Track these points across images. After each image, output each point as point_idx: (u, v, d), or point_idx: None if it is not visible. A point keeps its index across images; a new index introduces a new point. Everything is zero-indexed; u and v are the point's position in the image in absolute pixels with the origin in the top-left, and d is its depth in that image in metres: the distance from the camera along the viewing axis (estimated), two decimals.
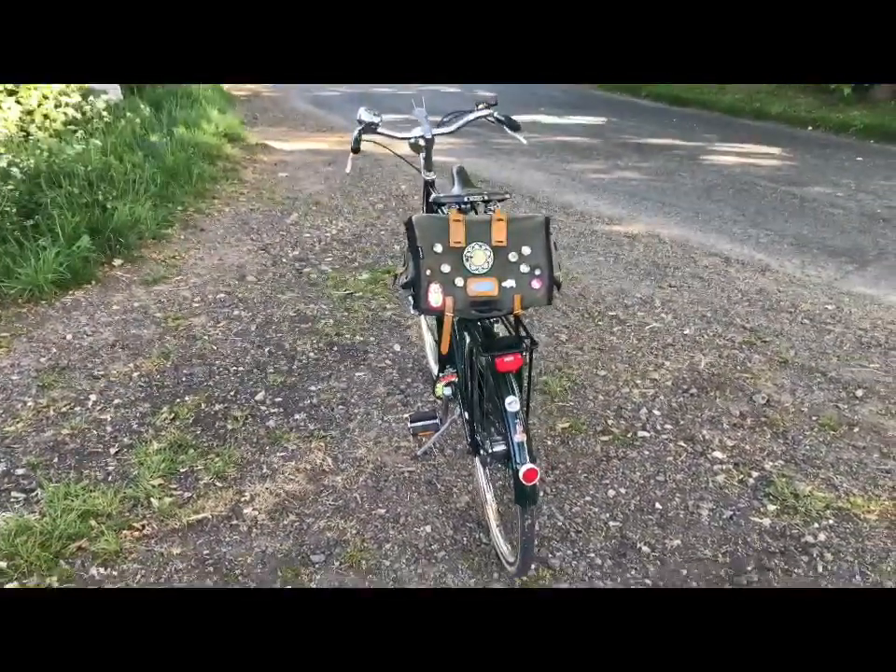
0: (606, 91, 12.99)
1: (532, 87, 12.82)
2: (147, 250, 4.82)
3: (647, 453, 2.81)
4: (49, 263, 4.06)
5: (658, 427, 2.97)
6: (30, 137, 5.45)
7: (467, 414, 2.28)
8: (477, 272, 1.91)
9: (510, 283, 1.92)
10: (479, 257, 1.91)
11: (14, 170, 4.55)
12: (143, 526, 2.40)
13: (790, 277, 4.51)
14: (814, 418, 3.02)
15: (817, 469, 2.72)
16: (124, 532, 2.36)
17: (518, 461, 1.87)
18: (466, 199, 2.12)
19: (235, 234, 5.23)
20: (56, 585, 2.13)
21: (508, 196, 2.15)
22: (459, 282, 1.91)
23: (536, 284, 1.94)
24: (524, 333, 1.98)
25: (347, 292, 4.20)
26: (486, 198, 2.09)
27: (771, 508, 2.53)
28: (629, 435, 2.92)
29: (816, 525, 2.45)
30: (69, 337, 3.64)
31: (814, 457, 2.79)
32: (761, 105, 10.29)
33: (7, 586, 2.10)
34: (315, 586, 2.18)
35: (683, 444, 2.86)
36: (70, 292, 4.14)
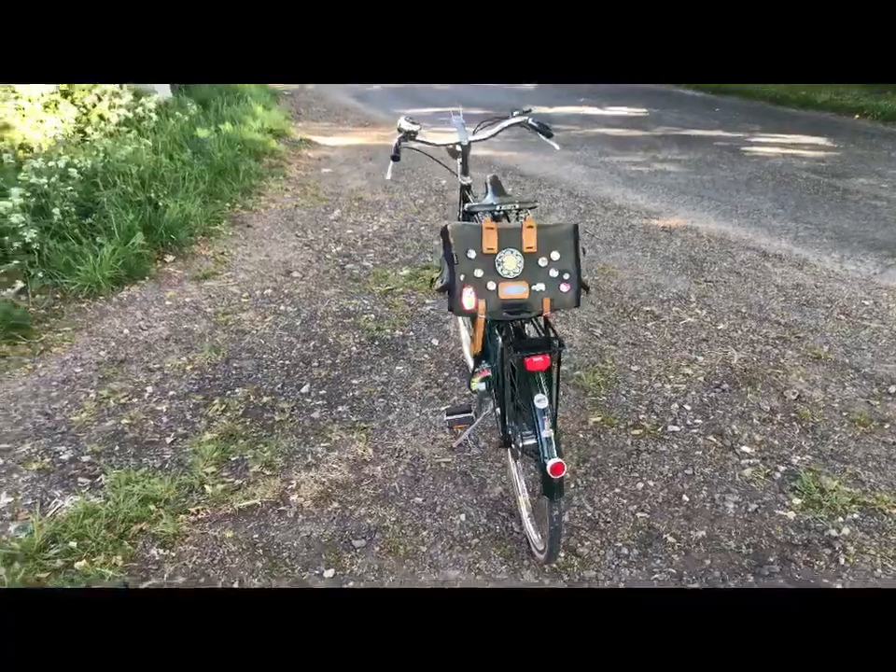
0: None
1: None
2: (198, 247, 5.02)
3: (676, 447, 2.90)
4: (106, 260, 4.28)
5: (688, 422, 3.05)
6: (86, 138, 5.71)
7: (499, 409, 2.40)
8: (508, 276, 2.03)
9: (539, 286, 2.03)
10: (510, 262, 2.02)
11: (72, 171, 4.79)
12: (198, 511, 2.57)
13: (827, 272, 4.52)
14: (844, 414, 3.07)
15: (844, 464, 2.78)
16: (181, 516, 2.54)
17: (546, 455, 1.99)
18: (498, 208, 2.23)
19: (281, 230, 5.41)
20: (120, 564, 2.32)
21: (538, 204, 2.26)
22: (491, 286, 2.03)
23: (564, 287, 2.05)
24: (552, 334, 2.09)
25: (388, 288, 4.34)
26: (518, 206, 2.20)
27: (796, 502, 2.60)
28: (660, 429, 3.00)
29: (840, 518, 2.51)
30: (126, 331, 3.85)
31: (842, 453, 2.84)
32: (806, 93, 10.13)
33: (77, 564, 2.30)
34: (356, 569, 2.33)
35: (712, 439, 2.94)
36: (126, 288, 4.36)
